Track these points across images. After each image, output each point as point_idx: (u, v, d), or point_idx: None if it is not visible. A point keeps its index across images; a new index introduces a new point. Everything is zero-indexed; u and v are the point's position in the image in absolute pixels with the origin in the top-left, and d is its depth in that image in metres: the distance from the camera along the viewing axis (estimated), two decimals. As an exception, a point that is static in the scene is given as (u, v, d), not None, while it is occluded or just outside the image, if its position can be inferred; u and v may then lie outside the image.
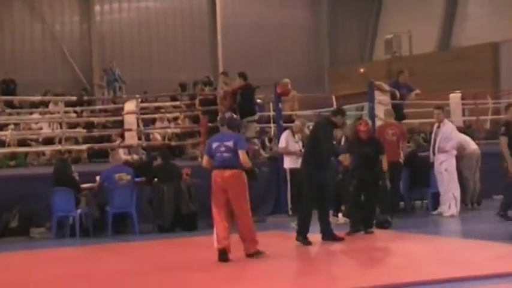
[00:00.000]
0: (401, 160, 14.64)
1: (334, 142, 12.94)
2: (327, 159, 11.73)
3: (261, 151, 16.89)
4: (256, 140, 17.09)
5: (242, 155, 10.29)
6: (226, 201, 10.30)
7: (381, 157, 12.63)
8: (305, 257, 11.02)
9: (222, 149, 10.34)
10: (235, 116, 11.72)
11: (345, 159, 12.04)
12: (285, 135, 15.53)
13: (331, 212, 14.03)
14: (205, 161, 10.67)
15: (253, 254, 10.26)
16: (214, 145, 10.46)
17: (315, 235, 11.68)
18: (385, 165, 12.65)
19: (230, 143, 10.34)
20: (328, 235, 11.77)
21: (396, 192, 14.58)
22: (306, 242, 11.51)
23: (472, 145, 15.57)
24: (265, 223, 14.43)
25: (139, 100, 18.46)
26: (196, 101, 18.32)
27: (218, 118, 12.16)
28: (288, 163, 15.25)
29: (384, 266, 9.66)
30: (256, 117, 16.84)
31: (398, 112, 16.26)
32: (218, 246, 10.17)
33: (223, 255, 10.09)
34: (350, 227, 12.42)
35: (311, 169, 11.69)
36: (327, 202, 11.89)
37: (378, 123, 15.82)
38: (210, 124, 16.74)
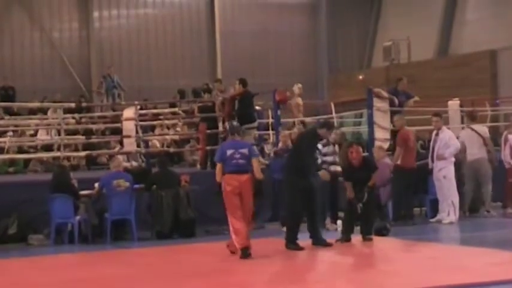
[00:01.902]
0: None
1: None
2: (308, 168, 11.85)
3: (260, 158, 16.85)
4: (254, 147, 17.09)
5: (256, 164, 11.10)
6: (239, 203, 10.91)
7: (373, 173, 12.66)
8: (299, 264, 11.02)
9: (237, 155, 10.97)
10: (239, 125, 12.11)
11: (324, 175, 12.12)
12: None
13: (328, 219, 14.12)
14: (219, 168, 11.09)
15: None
16: (229, 152, 11.02)
17: (305, 241, 11.78)
18: (372, 182, 12.64)
19: (245, 151, 11.04)
20: (317, 240, 11.87)
21: (411, 198, 14.84)
22: (298, 248, 11.62)
23: (471, 155, 15.56)
24: (263, 229, 14.44)
25: (138, 107, 18.46)
26: (195, 108, 18.32)
27: (227, 126, 12.37)
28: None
29: (381, 273, 9.65)
30: (255, 124, 16.86)
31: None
32: (242, 245, 10.76)
33: (246, 253, 10.74)
34: (341, 234, 12.44)
35: (293, 177, 11.88)
36: (314, 208, 11.93)
37: (378, 131, 15.87)
38: (208, 131, 16.75)
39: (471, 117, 16.21)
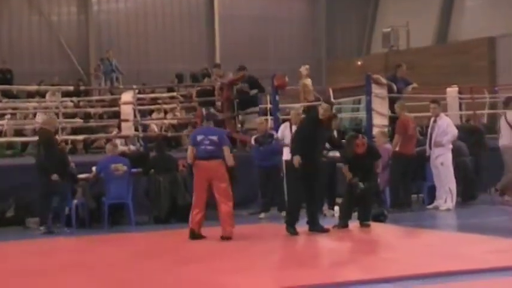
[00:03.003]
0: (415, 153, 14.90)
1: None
2: (309, 153, 11.73)
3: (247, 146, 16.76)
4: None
5: (226, 151, 11.35)
6: (206, 190, 11.34)
7: (376, 162, 12.66)
8: (296, 250, 11.04)
9: (206, 142, 11.30)
10: (215, 112, 12.23)
11: (296, 161, 11.94)
12: (281, 128, 15.51)
13: (326, 206, 14.14)
14: (190, 151, 11.54)
15: (229, 238, 11.20)
16: (199, 138, 11.40)
17: (302, 227, 11.84)
18: (378, 170, 12.71)
19: (215, 138, 11.34)
20: (314, 226, 11.90)
21: (409, 184, 14.90)
22: (293, 232, 11.68)
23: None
24: (259, 216, 14.46)
25: (137, 91, 18.43)
26: (194, 92, 18.28)
27: (203, 113, 12.46)
28: (286, 155, 15.23)
29: (377, 259, 9.66)
30: (257, 108, 16.84)
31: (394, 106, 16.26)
32: (191, 226, 11.47)
33: (193, 235, 11.38)
34: (339, 220, 12.46)
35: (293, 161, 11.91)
36: (313, 193, 11.95)
37: (376, 117, 15.88)
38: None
39: (506, 104, 16.22)
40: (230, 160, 11.41)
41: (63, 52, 28.49)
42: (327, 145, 13.33)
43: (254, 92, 16.73)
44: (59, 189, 13.54)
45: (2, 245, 12.14)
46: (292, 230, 11.73)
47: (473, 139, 16.44)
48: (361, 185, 12.23)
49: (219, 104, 17.30)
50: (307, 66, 17.96)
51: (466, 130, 16.57)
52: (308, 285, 7.89)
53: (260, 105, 18.39)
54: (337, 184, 14.10)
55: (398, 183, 14.64)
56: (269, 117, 17.70)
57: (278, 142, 14.38)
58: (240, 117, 17.08)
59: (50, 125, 14.06)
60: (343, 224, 12.32)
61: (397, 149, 14.59)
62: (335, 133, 14.10)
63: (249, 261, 9.71)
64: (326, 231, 11.88)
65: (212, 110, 12.39)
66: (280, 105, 17.08)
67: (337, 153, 13.77)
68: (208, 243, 11.12)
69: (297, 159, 11.63)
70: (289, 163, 12.31)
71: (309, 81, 17.77)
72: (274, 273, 8.85)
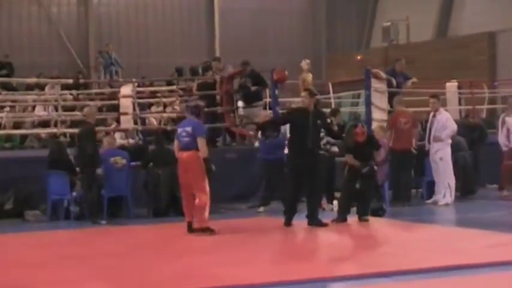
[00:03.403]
0: (413, 148, 14.79)
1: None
2: (304, 147, 11.80)
3: (254, 139, 16.75)
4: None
5: (200, 142, 11.35)
6: (187, 181, 11.39)
7: (375, 152, 12.69)
8: (295, 244, 11.07)
9: (183, 133, 11.46)
10: (201, 103, 12.15)
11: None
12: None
13: (324, 200, 14.15)
14: (175, 144, 11.69)
15: (199, 230, 11.22)
16: (179, 130, 11.63)
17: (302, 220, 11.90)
18: (378, 158, 12.76)
19: (189, 129, 11.42)
20: (313, 220, 11.94)
21: (408, 179, 14.81)
22: (287, 224, 11.91)
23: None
24: (258, 210, 14.46)
25: (136, 84, 18.41)
26: (194, 85, 18.24)
27: (184, 106, 12.59)
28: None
29: (376, 254, 9.67)
30: (261, 102, 16.85)
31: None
32: (187, 220, 11.49)
33: (191, 228, 11.37)
34: (338, 214, 12.47)
35: (291, 154, 12.09)
36: (313, 187, 12.00)
37: (375, 111, 15.86)
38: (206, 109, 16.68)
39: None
40: (203, 151, 11.34)
41: (63, 44, 28.43)
42: (330, 138, 13.43)
43: (254, 88, 16.71)
44: (98, 180, 13.77)
45: (1, 237, 12.14)
46: (288, 222, 11.88)
47: (475, 135, 16.47)
48: (365, 169, 12.25)
49: (218, 97, 17.28)
50: (307, 61, 17.94)
51: (466, 126, 16.57)
52: (306, 279, 7.90)
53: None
54: (335, 179, 14.10)
55: (395, 178, 14.65)
56: (268, 111, 17.68)
57: (284, 136, 14.38)
58: (243, 110, 17.03)
59: (92, 118, 14.17)
60: (341, 218, 12.33)
61: (390, 144, 14.58)
62: (335, 127, 14.15)
63: (247, 254, 9.72)
64: (325, 225, 11.91)
65: (198, 102, 12.22)
66: (280, 99, 17.08)
67: (336, 148, 13.80)
68: (206, 236, 11.10)
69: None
70: (287, 157, 12.31)
71: (309, 76, 17.77)
72: (271, 266, 8.86)
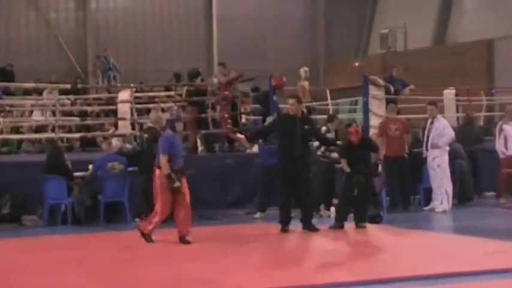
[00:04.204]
0: (405, 154, 14.81)
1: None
2: (293, 152, 11.86)
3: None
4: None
5: (160, 159, 11.14)
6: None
7: (371, 154, 12.71)
8: (291, 251, 11.05)
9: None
10: (176, 115, 11.92)
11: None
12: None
13: (323, 206, 14.14)
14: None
15: (140, 231, 11.39)
16: None
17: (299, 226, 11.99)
18: (380, 156, 12.77)
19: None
20: (306, 225, 12.02)
21: (404, 186, 14.83)
22: (285, 231, 11.93)
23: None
24: (254, 216, 14.44)
25: (134, 89, 18.40)
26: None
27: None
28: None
29: (373, 261, 9.66)
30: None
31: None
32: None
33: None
34: (335, 221, 12.48)
35: (280, 161, 12.17)
36: (302, 192, 12.09)
37: (373, 118, 15.86)
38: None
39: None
40: (163, 168, 11.14)
41: (61, 49, 28.46)
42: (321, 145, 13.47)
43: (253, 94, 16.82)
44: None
45: (-2, 242, 12.12)
46: (283, 228, 11.96)
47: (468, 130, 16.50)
48: (357, 177, 12.25)
49: (209, 103, 17.22)
50: (306, 69, 18.01)
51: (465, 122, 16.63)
52: (302, 285, 7.90)
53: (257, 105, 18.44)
54: (335, 185, 14.09)
55: (391, 186, 14.67)
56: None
57: None
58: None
59: (158, 124, 14.21)
60: (338, 225, 12.33)
61: (383, 151, 14.53)
62: (333, 134, 14.17)
63: (244, 261, 9.72)
64: (316, 230, 11.99)
65: (174, 114, 12.05)
66: (279, 106, 17.08)
67: (336, 154, 13.79)
68: (201, 243, 11.09)
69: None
70: (277, 164, 12.41)
71: (306, 84, 17.91)
72: (267, 272, 8.83)
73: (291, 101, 12.28)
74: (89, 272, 9.03)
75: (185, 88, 18.00)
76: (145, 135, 14.66)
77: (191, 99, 17.01)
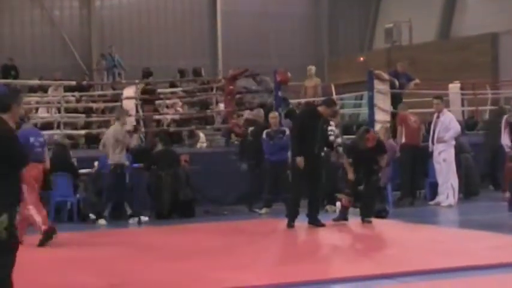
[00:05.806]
0: (421, 144, 15.04)
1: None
2: (307, 148, 11.80)
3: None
4: None
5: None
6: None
7: (381, 156, 12.66)
8: (292, 245, 11.07)
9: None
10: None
11: (300, 161, 11.95)
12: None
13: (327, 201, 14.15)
14: None
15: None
16: None
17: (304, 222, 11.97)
18: (382, 163, 12.70)
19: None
20: (312, 220, 12.02)
21: (416, 176, 14.99)
22: (289, 226, 11.90)
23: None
24: (260, 211, 14.44)
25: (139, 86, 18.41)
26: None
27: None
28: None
29: (379, 255, 9.67)
30: None
31: (397, 101, 16.26)
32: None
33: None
34: (339, 213, 12.49)
35: (293, 157, 12.07)
36: (315, 189, 12.06)
37: (378, 113, 15.89)
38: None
39: None
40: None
41: (66, 47, 28.47)
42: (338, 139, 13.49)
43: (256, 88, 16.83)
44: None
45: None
46: (290, 225, 11.92)
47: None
48: (361, 186, 12.28)
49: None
50: (313, 67, 18.19)
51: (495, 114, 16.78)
52: (309, 280, 7.89)
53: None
54: (338, 181, 14.08)
55: (407, 174, 14.72)
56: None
57: (288, 138, 14.35)
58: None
59: (260, 117, 14.31)
60: (343, 217, 12.33)
61: (403, 140, 14.71)
62: (336, 130, 14.13)
63: (250, 257, 9.69)
64: (322, 225, 11.97)
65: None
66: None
67: (341, 149, 13.75)
68: (212, 239, 11.10)
69: (299, 161, 11.72)
70: (292, 160, 12.30)
71: (318, 81, 18.25)
72: (274, 268, 8.85)
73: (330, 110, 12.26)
74: (97, 269, 9.03)
75: (141, 86, 18.24)
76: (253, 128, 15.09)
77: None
